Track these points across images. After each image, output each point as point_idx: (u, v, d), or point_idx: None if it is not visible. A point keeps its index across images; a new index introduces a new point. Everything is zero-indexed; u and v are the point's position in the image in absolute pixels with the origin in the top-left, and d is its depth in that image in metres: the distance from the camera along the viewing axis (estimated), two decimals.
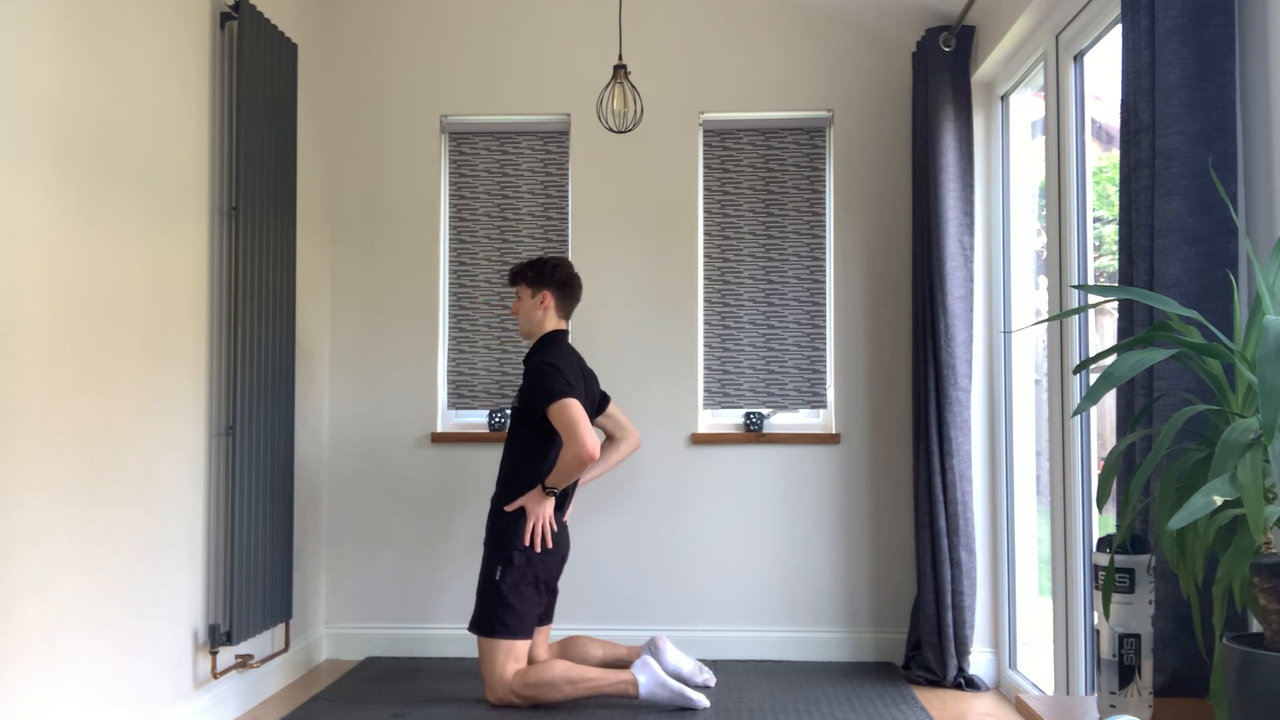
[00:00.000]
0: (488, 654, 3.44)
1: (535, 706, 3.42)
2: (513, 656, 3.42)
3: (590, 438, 3.38)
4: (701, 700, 3.41)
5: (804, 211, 4.27)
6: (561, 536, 3.57)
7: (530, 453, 3.54)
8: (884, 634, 4.12)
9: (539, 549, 3.46)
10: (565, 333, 3.68)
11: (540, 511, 3.48)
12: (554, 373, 3.45)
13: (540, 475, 3.52)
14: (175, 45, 3.11)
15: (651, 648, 3.71)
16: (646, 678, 3.38)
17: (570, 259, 4.22)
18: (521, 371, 3.68)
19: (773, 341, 4.24)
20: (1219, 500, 1.36)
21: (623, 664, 3.68)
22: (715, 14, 4.26)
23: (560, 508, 3.60)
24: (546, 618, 3.66)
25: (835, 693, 3.65)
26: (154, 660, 2.99)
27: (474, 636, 4.16)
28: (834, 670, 3.96)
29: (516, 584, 3.46)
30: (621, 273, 4.23)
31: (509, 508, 3.50)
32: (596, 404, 3.75)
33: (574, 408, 3.40)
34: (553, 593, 3.64)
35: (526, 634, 3.47)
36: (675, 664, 3.69)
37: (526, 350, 3.92)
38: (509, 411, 3.64)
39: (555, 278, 3.64)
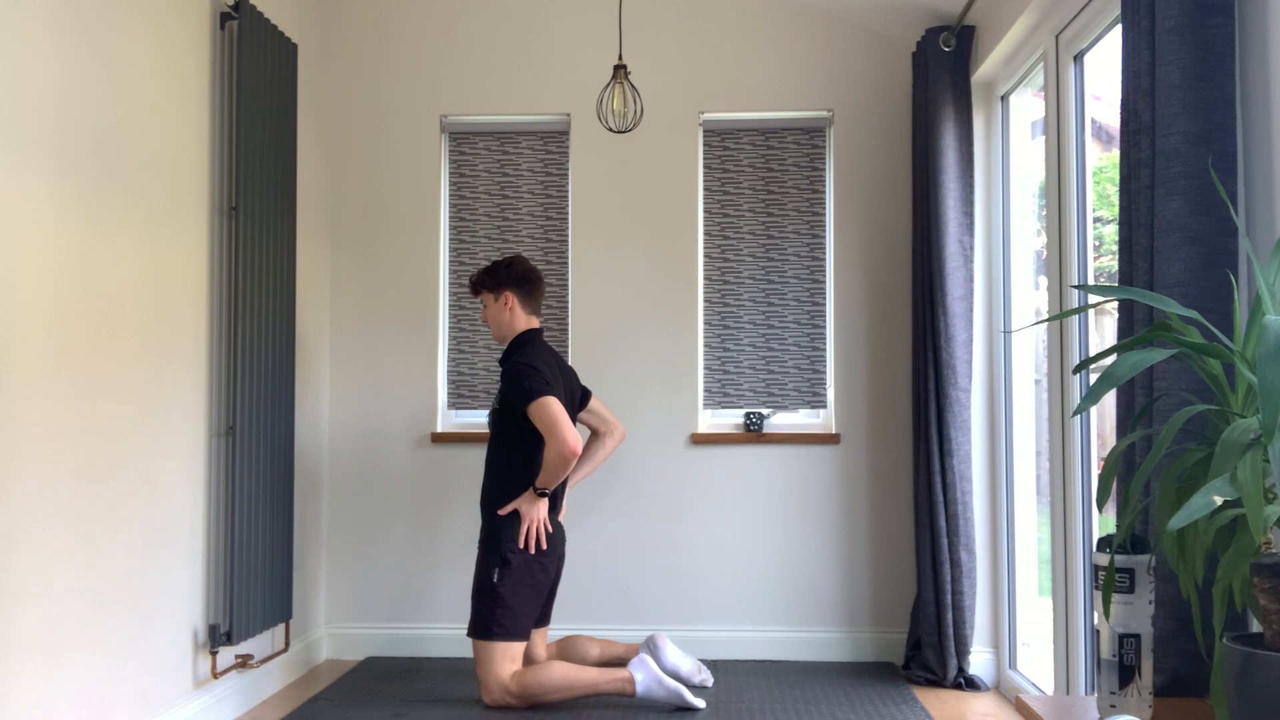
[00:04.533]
0: (484, 656, 3.44)
1: (532, 707, 3.42)
2: (509, 658, 3.42)
3: (571, 434, 3.37)
4: (698, 701, 3.41)
5: (804, 211, 4.27)
6: (557, 536, 3.56)
7: (515, 453, 3.54)
8: (884, 634, 4.12)
9: (533, 550, 3.47)
10: (539, 331, 3.67)
11: (534, 514, 3.47)
12: (531, 372, 3.44)
13: (528, 476, 3.51)
14: (175, 45, 3.11)
15: (650, 646, 3.71)
16: (643, 675, 3.38)
17: (568, 258, 4.23)
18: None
19: (773, 341, 4.24)
20: (1219, 500, 1.36)
21: (620, 662, 3.69)
22: (715, 14, 4.26)
23: (553, 508, 3.58)
24: (544, 619, 3.66)
25: (835, 693, 3.65)
26: (154, 660, 2.99)
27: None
28: (834, 670, 3.96)
29: (514, 586, 3.45)
30: (621, 273, 4.23)
31: (502, 511, 3.49)
32: (578, 401, 3.73)
33: (553, 405, 3.39)
34: (551, 594, 3.63)
35: (523, 636, 3.46)
36: (674, 663, 3.69)
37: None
38: (495, 402, 3.66)
39: (512, 276, 3.63)
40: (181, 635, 3.14)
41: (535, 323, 3.68)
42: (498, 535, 3.49)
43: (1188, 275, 2.03)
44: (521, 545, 3.45)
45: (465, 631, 3.57)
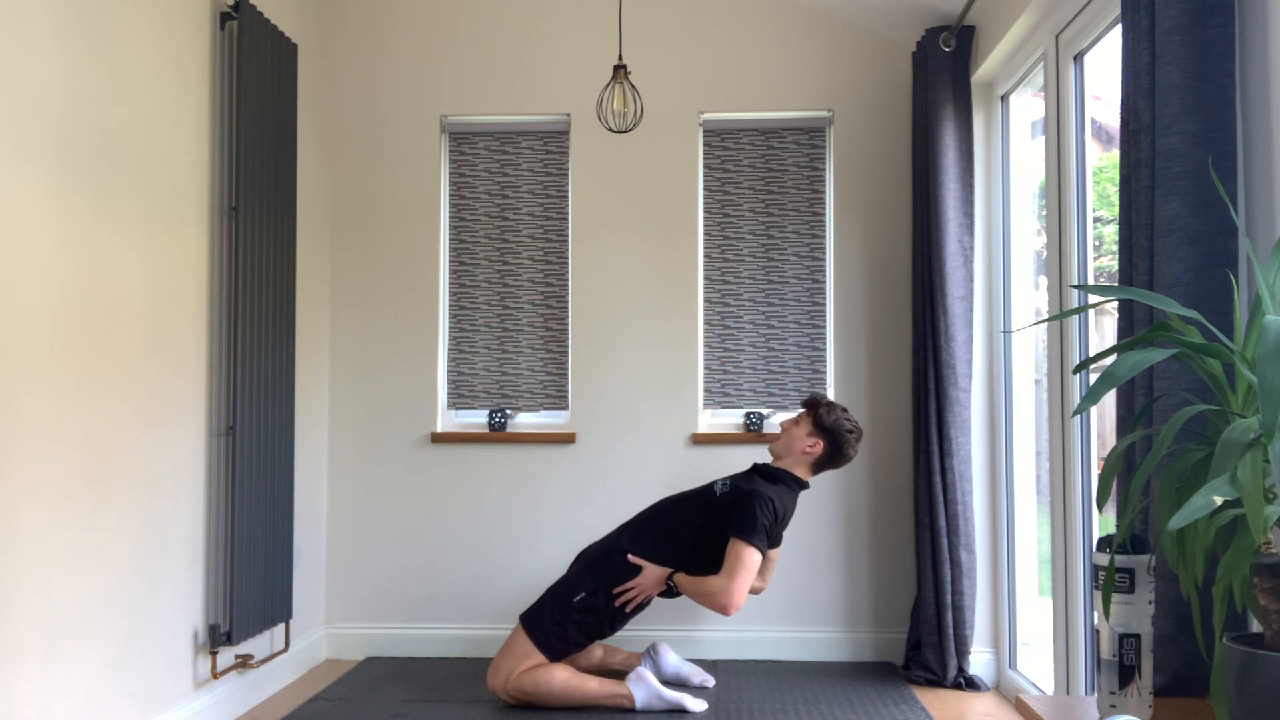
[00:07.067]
0: (515, 645, 3.46)
1: (525, 707, 3.43)
2: (530, 662, 3.43)
3: (741, 595, 3.36)
4: (699, 704, 3.41)
5: (804, 211, 4.27)
6: (639, 607, 3.56)
7: (692, 537, 3.52)
8: (884, 634, 4.12)
9: (617, 604, 3.48)
10: (804, 486, 3.65)
11: (647, 587, 3.49)
12: (767, 515, 3.43)
13: (680, 560, 3.50)
14: (175, 45, 3.11)
15: (651, 653, 3.71)
16: (642, 692, 3.38)
17: (568, 258, 4.23)
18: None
19: (773, 341, 4.24)
20: (1219, 500, 1.36)
21: (620, 670, 3.69)
22: (715, 14, 4.26)
23: (664, 592, 3.58)
24: None
25: (835, 693, 3.65)
26: (154, 660, 2.99)
27: (482, 633, 4.17)
28: (834, 670, 3.96)
29: (583, 619, 3.47)
30: (621, 273, 4.23)
31: (632, 559, 3.50)
32: (771, 544, 3.67)
33: (752, 559, 3.38)
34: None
35: (555, 659, 3.48)
36: (674, 667, 3.69)
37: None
38: (720, 486, 3.58)
39: (839, 442, 3.60)
40: (181, 635, 3.14)
41: (808, 478, 3.66)
42: (610, 568, 3.50)
43: (1188, 275, 2.03)
44: (615, 592, 3.47)
45: (520, 613, 3.57)
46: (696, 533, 3.52)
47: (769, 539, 3.47)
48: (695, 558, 3.51)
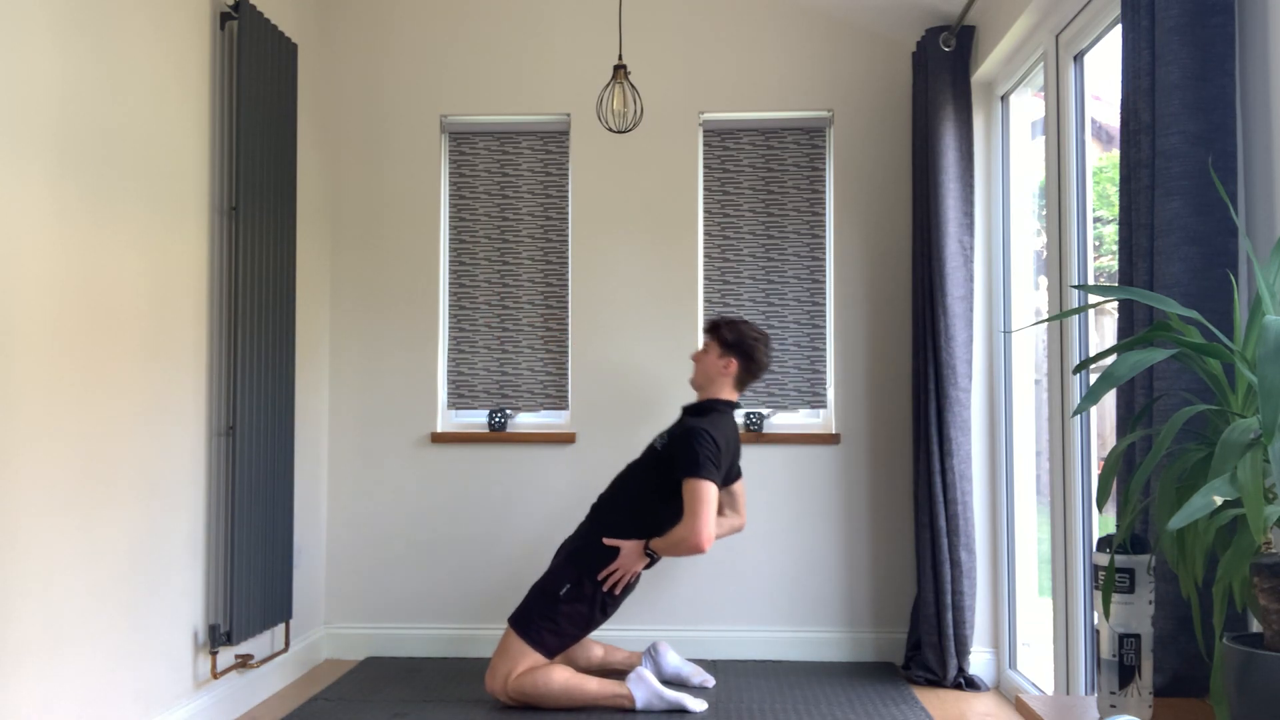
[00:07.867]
0: (508, 646, 3.46)
1: (525, 707, 3.42)
2: (527, 662, 3.43)
3: (708, 530, 3.36)
4: (699, 704, 3.41)
5: (804, 211, 4.27)
6: (629, 587, 3.57)
7: (653, 499, 3.53)
8: (884, 634, 4.12)
9: (606, 589, 3.48)
10: (735, 405, 3.68)
11: (630, 565, 3.50)
12: (709, 447, 3.44)
13: (651, 525, 3.51)
14: (175, 45, 3.11)
15: (651, 653, 3.71)
16: (642, 692, 3.38)
17: (568, 259, 4.22)
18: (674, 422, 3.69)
19: (773, 341, 4.24)
20: (1219, 500, 1.36)
21: (620, 670, 3.69)
22: (715, 14, 4.26)
23: (647, 566, 3.59)
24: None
25: (835, 693, 3.65)
26: (154, 660, 2.99)
27: (482, 634, 4.17)
28: (834, 670, 3.96)
29: (572, 610, 3.47)
30: (621, 273, 4.23)
31: (608, 542, 3.50)
32: (729, 476, 3.70)
33: (708, 491, 3.39)
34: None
35: (551, 655, 3.48)
36: (675, 667, 3.69)
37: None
38: (659, 441, 3.61)
39: (749, 352, 3.63)
40: (181, 635, 3.14)
41: (735, 397, 3.68)
42: (590, 555, 3.51)
43: (1188, 275, 2.03)
44: (600, 578, 3.47)
45: (508, 617, 3.57)
46: (656, 494, 3.53)
47: (718, 468, 3.46)
48: (664, 519, 3.51)
